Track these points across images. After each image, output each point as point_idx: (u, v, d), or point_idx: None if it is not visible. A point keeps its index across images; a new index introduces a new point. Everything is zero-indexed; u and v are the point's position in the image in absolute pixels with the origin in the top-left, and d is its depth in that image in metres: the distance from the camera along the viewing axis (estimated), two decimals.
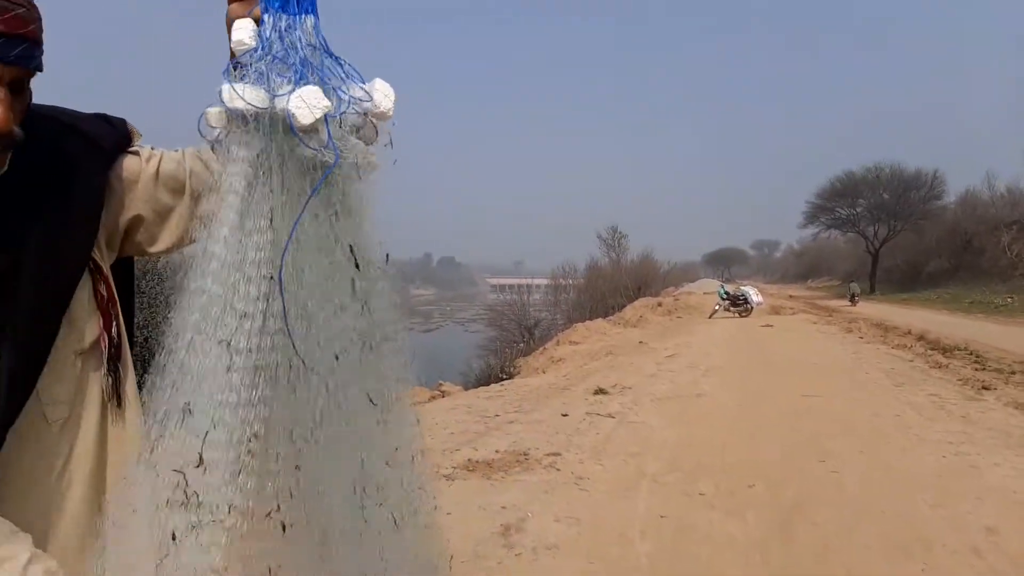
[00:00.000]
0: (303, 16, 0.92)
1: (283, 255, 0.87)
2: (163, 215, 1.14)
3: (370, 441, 0.97)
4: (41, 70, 0.97)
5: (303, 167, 0.89)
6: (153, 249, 1.16)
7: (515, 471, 5.42)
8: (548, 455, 5.78)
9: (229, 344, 0.86)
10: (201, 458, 0.85)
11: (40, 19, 0.96)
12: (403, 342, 1.00)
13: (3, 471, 0.96)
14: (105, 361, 1.06)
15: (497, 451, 5.98)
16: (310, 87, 0.87)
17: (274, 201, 0.89)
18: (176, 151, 1.15)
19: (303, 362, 0.89)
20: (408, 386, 1.02)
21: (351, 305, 0.94)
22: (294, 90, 0.87)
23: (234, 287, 0.87)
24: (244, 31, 0.92)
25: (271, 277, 0.87)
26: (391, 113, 0.96)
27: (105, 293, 1.07)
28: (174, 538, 0.85)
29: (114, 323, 1.08)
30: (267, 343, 0.87)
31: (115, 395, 1.06)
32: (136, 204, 1.13)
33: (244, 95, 0.86)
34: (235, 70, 0.89)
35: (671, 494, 4.78)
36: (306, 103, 0.86)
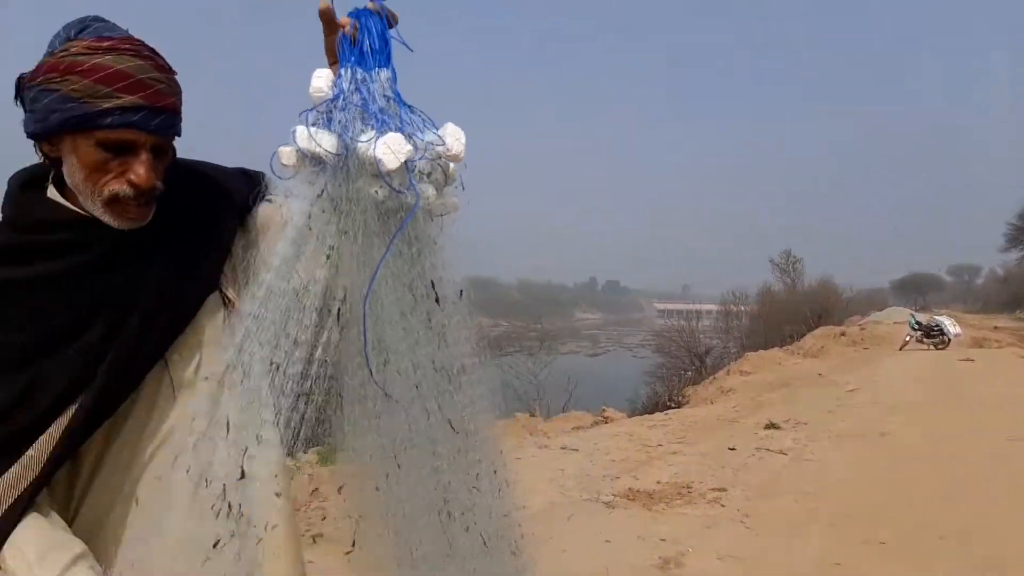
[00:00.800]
0: (378, 70, 0.99)
1: (368, 289, 0.93)
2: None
3: (452, 468, 1.01)
4: (180, 135, 1.10)
5: (380, 210, 0.95)
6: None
7: (677, 503, 5.31)
8: (712, 489, 5.60)
9: (278, 367, 0.93)
10: (243, 472, 0.93)
11: (180, 92, 1.09)
12: (482, 374, 1.04)
13: (139, 476, 1.10)
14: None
15: (659, 481, 5.88)
16: (394, 134, 0.94)
17: (340, 241, 0.95)
18: None
19: (383, 391, 0.95)
20: (490, 416, 1.06)
21: (429, 338, 0.99)
22: (377, 137, 0.94)
23: (287, 314, 0.94)
24: (323, 80, 1.00)
25: (328, 311, 0.94)
26: (462, 156, 1.01)
27: None
28: (216, 545, 0.93)
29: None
30: (319, 370, 0.94)
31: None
32: (270, 245, 1.24)
33: (320, 140, 0.94)
34: (310, 114, 0.97)
35: (847, 540, 4.46)
36: (391, 149, 0.93)
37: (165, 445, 1.12)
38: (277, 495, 1.00)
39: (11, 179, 1.13)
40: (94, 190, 1.04)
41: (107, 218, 1.06)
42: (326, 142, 0.94)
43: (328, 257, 0.96)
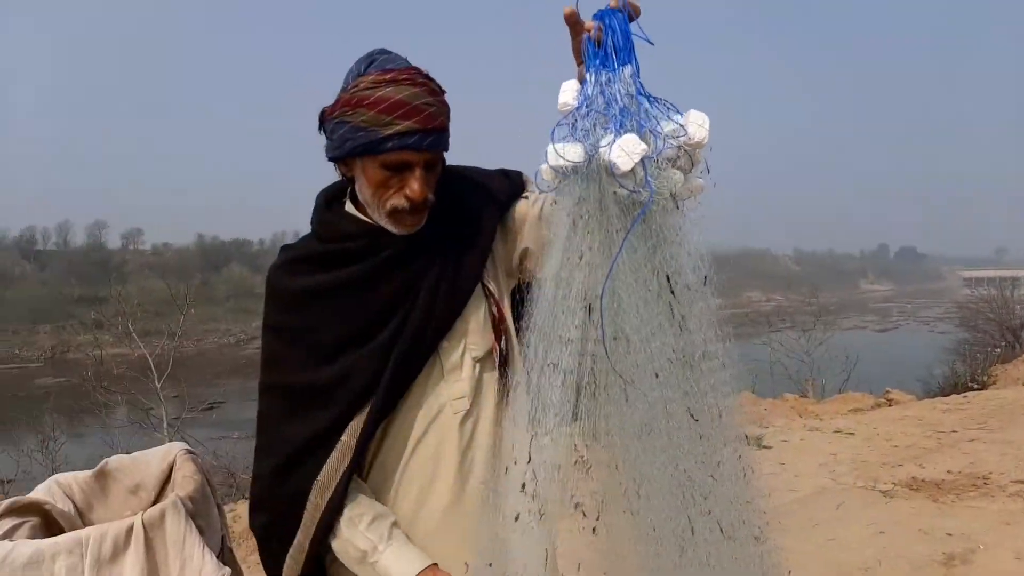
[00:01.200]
0: (621, 68, 1.00)
1: (604, 285, 0.97)
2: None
3: (693, 454, 1.03)
4: (447, 149, 1.23)
5: (622, 206, 0.98)
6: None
7: (970, 495, 4.81)
8: (1015, 482, 4.97)
9: (557, 366, 1.00)
10: (530, 456, 1.02)
11: (448, 110, 1.20)
12: (724, 359, 1.05)
13: (413, 449, 1.26)
14: (497, 367, 1.30)
15: (949, 471, 5.35)
16: (628, 136, 0.95)
17: (592, 240, 0.99)
18: None
19: (623, 379, 1.00)
20: (732, 401, 1.07)
21: (669, 327, 1.00)
22: (614, 140, 0.95)
23: (556, 318, 1.01)
24: (568, 93, 1.02)
25: (587, 308, 0.99)
26: (706, 141, 1.00)
27: (496, 313, 1.32)
28: (517, 519, 1.02)
29: (503, 337, 1.32)
30: (587, 363, 0.99)
31: (506, 395, 1.25)
32: (525, 239, 1.34)
33: (564, 154, 0.97)
34: (559, 128, 1.00)
35: None
36: (625, 151, 0.94)
37: (435, 422, 1.27)
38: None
39: (318, 195, 1.35)
40: (379, 204, 1.21)
41: (389, 226, 1.23)
42: (571, 154, 0.97)
43: (581, 257, 1.01)
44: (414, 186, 1.19)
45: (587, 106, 1.00)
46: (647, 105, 1.01)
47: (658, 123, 0.99)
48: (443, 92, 1.22)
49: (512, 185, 1.37)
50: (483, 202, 1.34)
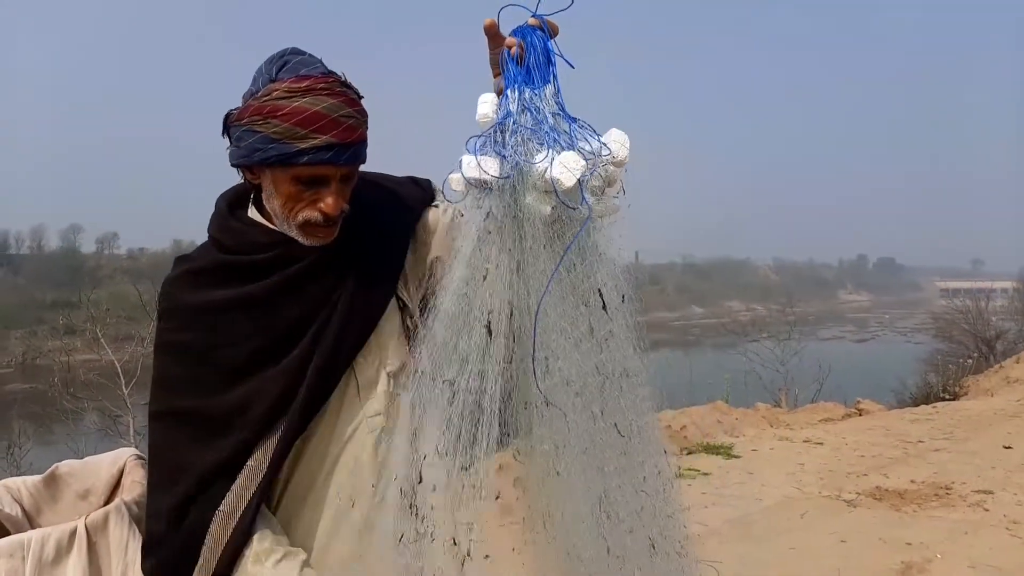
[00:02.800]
0: (544, 86, 1.00)
1: (540, 301, 0.96)
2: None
3: (615, 471, 1.02)
4: (365, 161, 1.17)
5: (541, 223, 0.97)
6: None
7: (931, 505, 4.86)
8: (977, 492, 5.02)
9: (452, 383, 0.98)
10: (421, 476, 0.99)
11: (366, 120, 1.15)
12: (644, 376, 1.04)
13: (328, 470, 1.19)
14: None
15: (913, 481, 5.40)
16: (568, 153, 0.95)
17: (499, 257, 0.98)
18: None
19: (546, 399, 0.98)
20: (652, 418, 1.06)
21: (590, 344, 1.00)
22: (550, 157, 0.95)
23: (457, 333, 0.99)
24: (488, 105, 1.02)
25: (487, 325, 0.98)
26: (627, 160, 1.00)
27: (411, 325, 1.26)
28: (400, 540, 0.99)
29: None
30: (488, 383, 0.97)
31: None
32: (436, 248, 1.30)
33: (485, 167, 0.97)
34: (474, 140, 0.99)
35: None
36: (567, 168, 0.93)
37: (352, 440, 1.21)
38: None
39: (219, 200, 1.26)
40: (288, 216, 1.14)
41: (300, 238, 1.16)
42: (491, 168, 0.97)
43: (484, 275, 1.00)
44: (329, 200, 1.13)
45: (513, 121, 0.98)
46: (570, 125, 1.00)
47: (586, 141, 0.99)
48: (361, 98, 1.16)
49: (423, 193, 1.34)
50: (396, 212, 1.30)
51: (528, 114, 0.99)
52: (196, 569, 1.15)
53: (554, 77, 1.02)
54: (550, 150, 0.96)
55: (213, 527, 1.14)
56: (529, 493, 1.09)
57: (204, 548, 1.15)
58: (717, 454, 6.48)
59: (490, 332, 0.99)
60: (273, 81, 1.12)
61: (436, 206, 1.33)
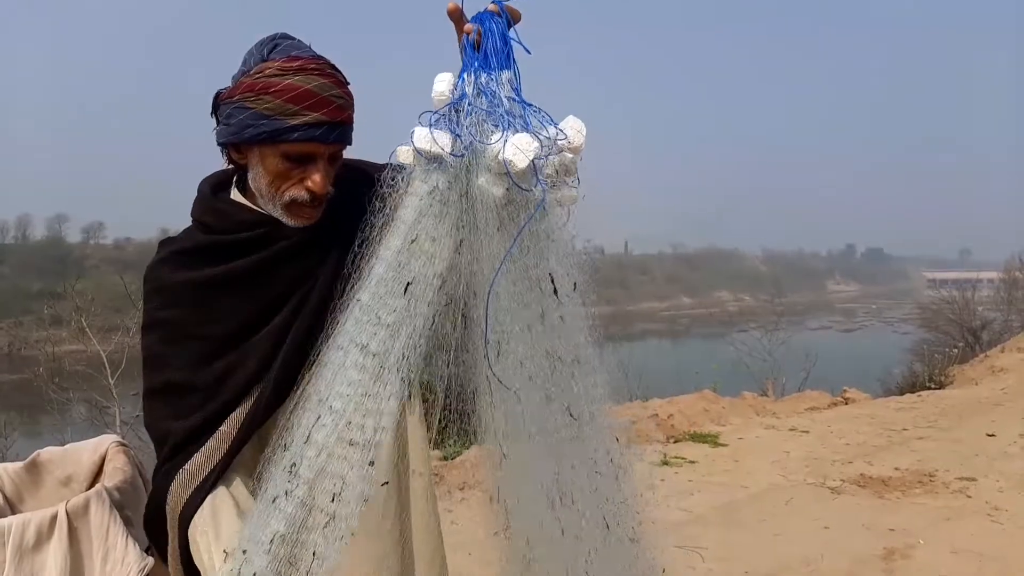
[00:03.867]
0: (500, 72, 1.01)
1: (491, 284, 0.97)
2: (454, 243, 1.31)
3: (568, 455, 1.03)
4: (351, 143, 1.19)
5: (493, 205, 0.98)
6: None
7: (914, 492, 4.91)
8: (960, 479, 5.08)
9: (365, 347, 0.99)
10: (309, 436, 0.99)
11: (353, 102, 1.17)
12: (597, 362, 1.06)
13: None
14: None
15: (897, 468, 5.45)
16: (522, 135, 0.96)
17: (439, 231, 0.99)
18: None
19: (499, 380, 0.99)
20: (604, 405, 1.07)
21: (543, 328, 1.00)
22: (504, 138, 0.96)
23: (383, 301, 0.99)
24: (444, 83, 1.02)
25: (407, 295, 0.98)
26: (583, 147, 1.02)
27: None
28: (274, 500, 0.99)
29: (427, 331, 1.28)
30: (411, 355, 0.99)
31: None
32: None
33: (438, 140, 0.98)
34: (426, 116, 1.00)
35: None
36: (520, 149, 0.95)
37: None
38: (371, 464, 1.00)
39: (201, 184, 1.28)
40: (275, 195, 1.16)
41: (284, 218, 1.19)
42: (443, 141, 0.98)
43: (420, 245, 1.01)
44: (316, 178, 1.15)
45: (468, 104, 1.00)
46: (526, 110, 1.02)
47: (542, 127, 1.01)
48: (348, 84, 1.19)
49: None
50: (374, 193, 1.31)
51: (484, 97, 1.00)
52: (168, 530, 1.17)
53: (512, 63, 1.03)
54: (504, 132, 0.97)
55: (174, 485, 1.15)
56: (488, 479, 1.10)
57: (167, 507, 1.16)
58: (704, 442, 6.51)
59: (406, 292, 1.00)
60: (265, 61, 1.14)
61: None
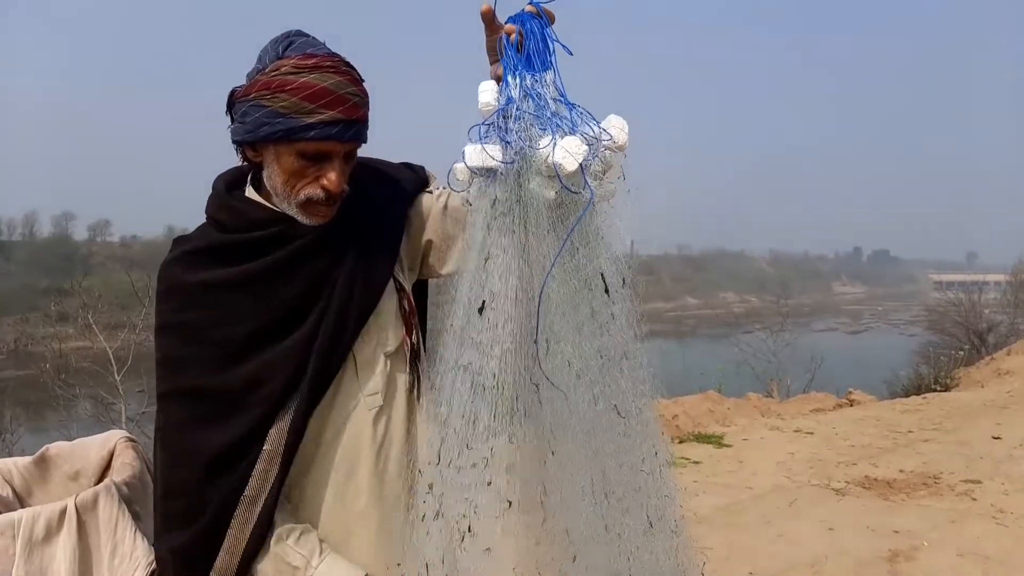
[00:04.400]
0: (544, 72, 1.01)
1: (542, 287, 0.97)
2: (449, 242, 1.31)
3: (614, 452, 1.03)
4: (367, 141, 1.18)
5: (545, 207, 0.98)
6: (443, 271, 1.32)
7: (919, 494, 4.90)
8: (965, 481, 5.07)
9: (467, 368, 1.00)
10: (439, 457, 1.02)
11: (368, 100, 1.17)
12: (642, 359, 1.06)
13: (328, 449, 1.20)
14: (407, 362, 1.26)
15: (902, 470, 5.44)
16: (571, 138, 0.96)
17: (507, 242, 0.99)
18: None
19: (548, 380, 0.99)
20: (649, 400, 1.07)
21: (592, 327, 1.01)
22: (552, 142, 0.96)
23: (468, 319, 1.01)
24: (489, 93, 1.02)
25: (480, 307, 0.99)
26: (627, 145, 1.02)
27: (407, 307, 1.28)
28: (423, 519, 1.01)
29: (415, 331, 1.29)
30: (505, 366, 0.99)
31: (415, 390, 1.26)
32: (429, 232, 1.32)
33: (492, 154, 0.98)
34: (477, 129, 1.01)
35: None
36: (569, 152, 0.95)
37: (350, 420, 1.21)
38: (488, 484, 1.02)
39: (216, 180, 1.27)
40: (291, 193, 1.15)
41: (300, 217, 1.17)
42: (494, 155, 0.99)
43: (487, 260, 1.01)
44: (332, 176, 1.14)
45: (516, 107, 0.99)
46: (571, 111, 1.01)
47: (587, 127, 1.00)
48: (363, 81, 1.17)
49: (417, 178, 1.35)
50: (391, 194, 1.31)
51: (530, 100, 1.00)
52: (223, 551, 1.16)
53: (553, 64, 1.03)
54: (553, 135, 0.97)
55: (239, 511, 1.15)
56: (524, 477, 1.08)
57: (229, 533, 1.15)
58: (708, 443, 6.51)
59: (481, 313, 1.00)
60: (280, 58, 1.13)
61: (430, 192, 1.35)
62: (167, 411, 1.20)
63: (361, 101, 1.15)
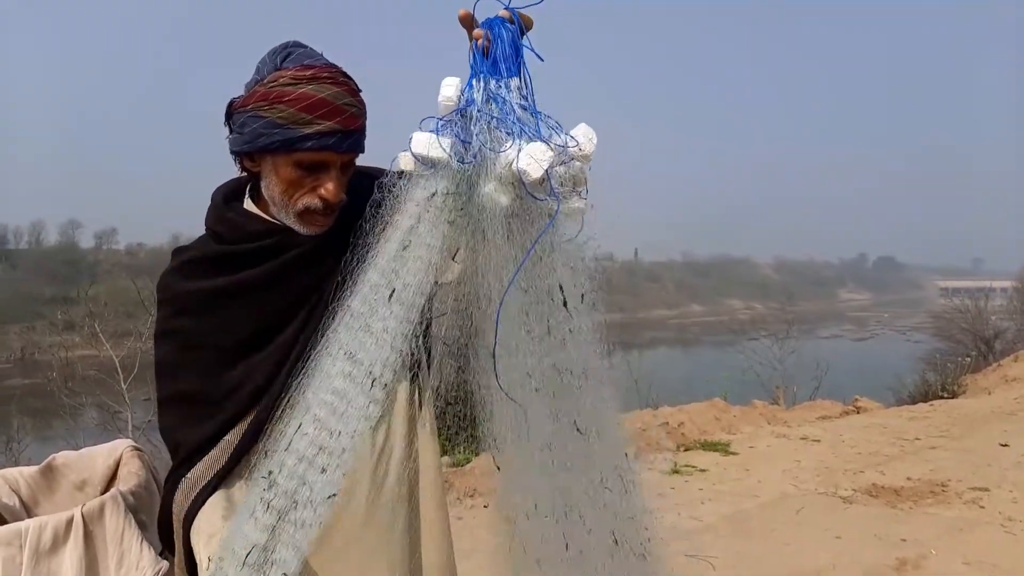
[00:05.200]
0: (509, 78, 0.99)
1: (503, 295, 0.95)
2: (450, 251, 1.32)
3: (575, 469, 1.01)
4: (363, 151, 1.19)
5: (500, 214, 0.96)
6: (443, 280, 1.32)
7: (926, 502, 4.87)
8: (972, 489, 5.03)
9: (353, 355, 0.97)
10: (290, 444, 0.99)
11: (365, 110, 1.17)
12: (606, 375, 1.03)
13: None
14: (408, 371, 1.23)
15: (909, 478, 5.41)
16: (536, 144, 0.94)
17: (433, 238, 0.97)
18: None
19: (505, 393, 0.97)
20: (614, 418, 1.05)
21: (551, 340, 0.99)
22: (517, 147, 0.94)
23: (373, 308, 0.98)
24: (451, 88, 1.00)
25: (391, 301, 0.97)
26: (592, 155, 1.00)
27: None
28: (252, 512, 0.98)
29: (414, 339, 1.30)
30: (396, 363, 0.97)
31: (417, 398, 1.26)
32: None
33: (440, 145, 0.97)
34: (428, 121, 0.99)
35: None
36: (534, 159, 0.93)
37: None
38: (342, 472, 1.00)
39: (215, 193, 1.29)
40: (288, 203, 1.17)
41: (297, 227, 1.19)
42: (445, 147, 0.97)
43: (407, 247, 1.00)
44: (329, 187, 1.15)
45: (476, 111, 0.98)
46: (536, 118, 1.00)
47: (553, 134, 0.99)
48: (360, 91, 1.19)
49: None
50: None
51: (494, 104, 0.99)
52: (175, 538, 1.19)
53: (522, 70, 1.01)
54: (516, 140, 0.95)
55: (178, 495, 1.18)
56: (496, 491, 1.09)
57: (173, 516, 1.18)
58: (714, 451, 6.49)
59: (391, 299, 0.99)
60: (278, 69, 1.14)
61: None
62: (162, 414, 1.25)
63: (359, 112, 1.16)
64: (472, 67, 1.01)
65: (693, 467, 5.86)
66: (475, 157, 0.97)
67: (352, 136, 1.15)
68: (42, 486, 2.09)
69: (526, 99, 1.01)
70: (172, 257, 1.29)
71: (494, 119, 0.98)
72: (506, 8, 1.03)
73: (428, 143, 0.98)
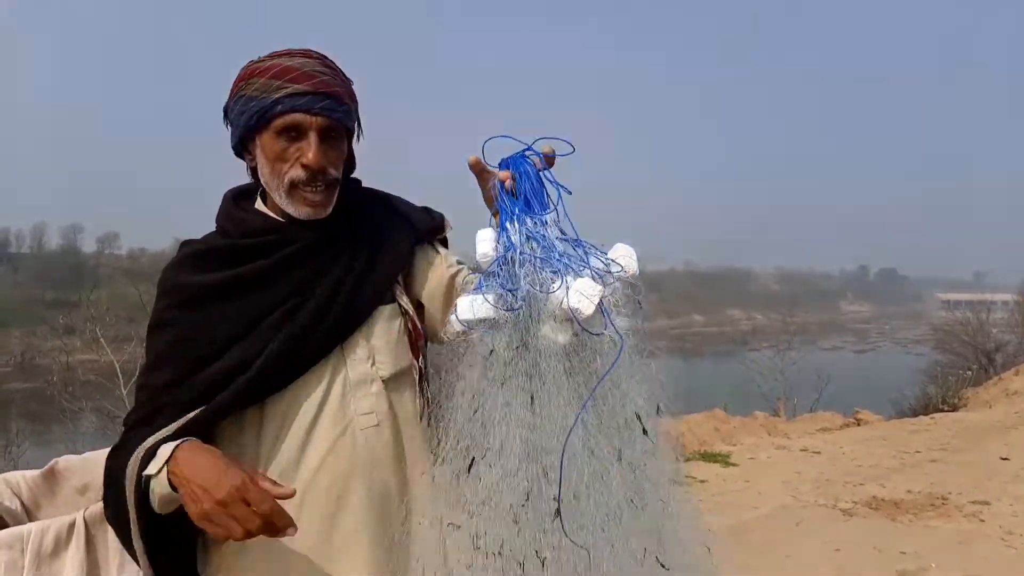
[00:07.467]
0: (544, 213, 0.97)
1: (566, 440, 0.89)
2: (447, 312, 1.20)
3: None
4: (351, 130, 1.22)
5: (560, 352, 0.92)
6: (441, 336, 1.24)
7: (927, 515, 4.86)
8: (973, 502, 5.03)
9: (455, 527, 0.96)
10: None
11: (349, 88, 1.20)
12: (676, 505, 1.00)
13: (322, 467, 1.18)
14: (417, 384, 1.26)
15: (909, 491, 5.40)
16: (584, 280, 0.91)
17: (517, 393, 0.93)
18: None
19: (571, 540, 0.91)
20: (691, 546, 1.01)
21: (620, 472, 0.94)
22: (563, 285, 0.91)
23: (458, 476, 0.95)
24: (486, 243, 0.97)
25: (471, 457, 0.93)
26: (637, 272, 0.97)
27: (413, 330, 1.28)
28: None
29: (421, 356, 1.28)
30: (503, 531, 0.92)
31: (425, 413, 1.26)
32: (424, 293, 1.31)
33: (487, 302, 0.94)
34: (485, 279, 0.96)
35: None
36: (585, 295, 0.90)
37: (343, 438, 1.20)
38: None
39: (226, 192, 1.31)
40: (279, 182, 1.17)
41: (291, 208, 1.19)
42: (490, 303, 0.94)
43: (476, 412, 0.95)
44: (308, 153, 1.15)
45: (520, 253, 0.95)
46: (576, 248, 0.98)
47: (595, 260, 0.96)
48: (341, 72, 1.21)
49: (432, 221, 1.35)
50: (402, 223, 1.32)
51: (534, 243, 0.96)
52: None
53: (553, 202, 0.99)
54: (562, 278, 0.93)
55: (129, 467, 1.14)
56: None
57: (126, 475, 1.15)
58: (715, 462, 6.48)
59: (470, 471, 0.95)
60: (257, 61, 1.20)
61: (444, 249, 1.37)
62: (137, 401, 1.24)
63: (331, 80, 1.18)
64: (502, 209, 0.99)
65: (692, 478, 5.85)
66: (524, 301, 0.93)
67: (325, 98, 1.16)
68: (44, 490, 2.08)
69: (563, 231, 0.98)
70: (179, 248, 1.31)
71: (537, 259, 0.95)
72: (527, 149, 1.02)
73: (472, 307, 0.95)
